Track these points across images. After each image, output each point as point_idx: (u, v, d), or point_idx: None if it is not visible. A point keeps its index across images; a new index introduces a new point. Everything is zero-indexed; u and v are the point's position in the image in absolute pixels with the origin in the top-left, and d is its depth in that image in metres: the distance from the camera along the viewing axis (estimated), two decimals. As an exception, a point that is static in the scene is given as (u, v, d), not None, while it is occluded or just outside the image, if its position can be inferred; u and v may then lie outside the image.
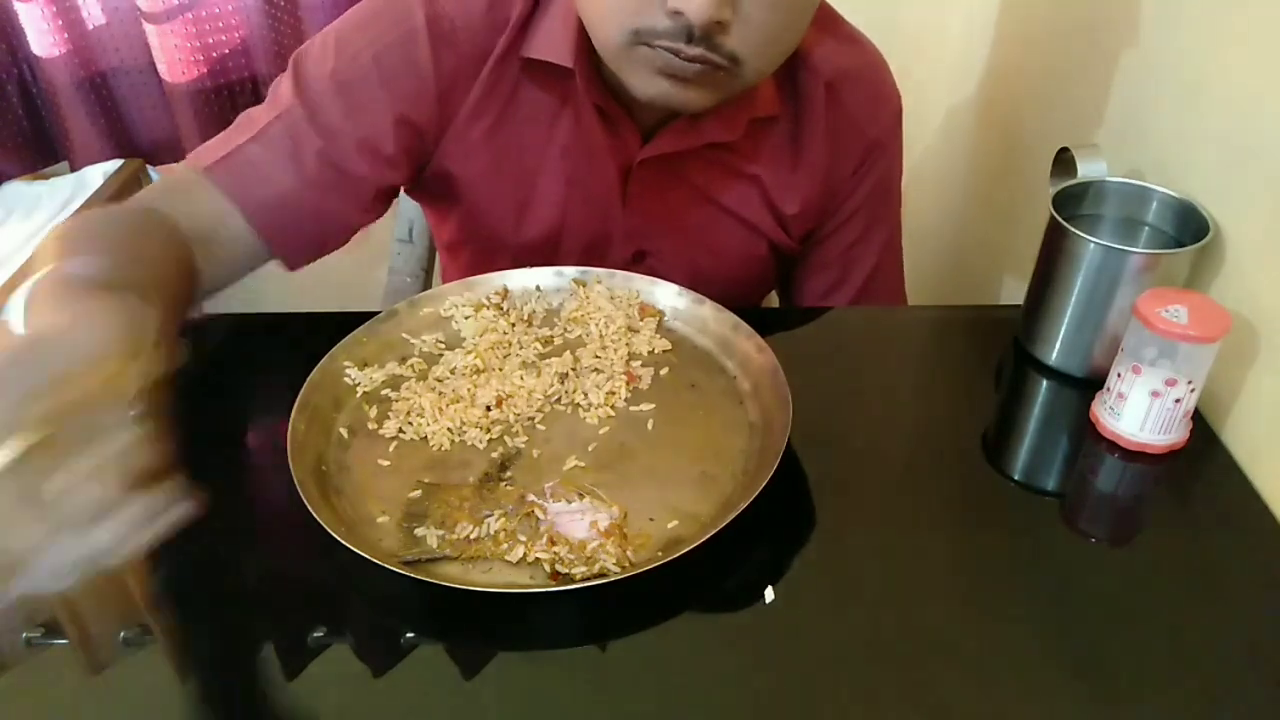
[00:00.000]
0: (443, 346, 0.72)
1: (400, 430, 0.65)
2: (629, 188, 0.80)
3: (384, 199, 0.80)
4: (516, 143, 0.78)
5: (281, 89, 0.75)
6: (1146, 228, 0.74)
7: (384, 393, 0.68)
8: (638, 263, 0.84)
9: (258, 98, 1.46)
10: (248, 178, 0.72)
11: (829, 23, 0.81)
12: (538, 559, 0.55)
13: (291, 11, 1.43)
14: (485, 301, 0.75)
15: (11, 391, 0.40)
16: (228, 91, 1.48)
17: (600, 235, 0.82)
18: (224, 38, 1.43)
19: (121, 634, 0.53)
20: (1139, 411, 0.64)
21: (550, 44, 0.73)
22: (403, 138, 0.76)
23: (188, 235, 0.69)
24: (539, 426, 0.66)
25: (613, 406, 0.67)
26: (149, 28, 1.38)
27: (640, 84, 0.68)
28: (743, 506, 0.55)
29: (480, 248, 0.86)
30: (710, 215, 0.83)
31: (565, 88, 0.76)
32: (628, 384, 0.68)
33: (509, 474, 0.62)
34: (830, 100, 0.80)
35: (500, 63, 0.75)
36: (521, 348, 0.72)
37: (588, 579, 0.53)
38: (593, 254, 0.83)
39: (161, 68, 1.41)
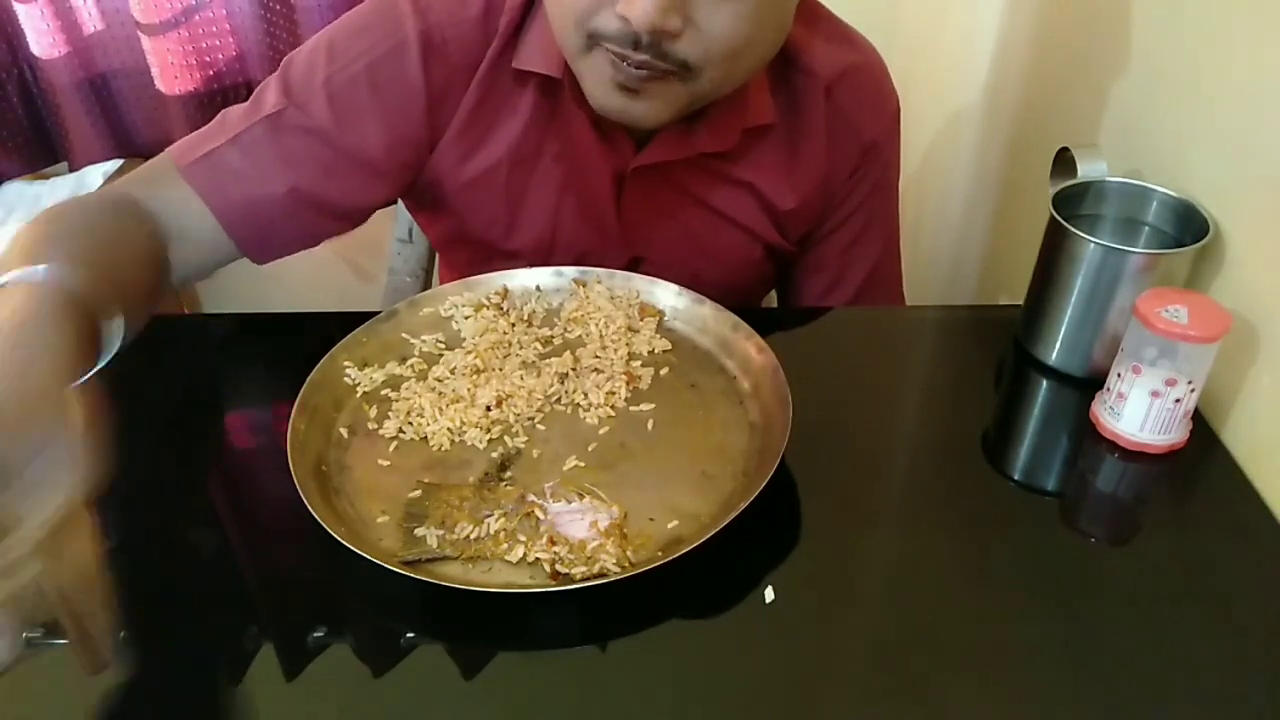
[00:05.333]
0: (443, 346, 0.72)
1: (400, 430, 0.65)
2: (623, 195, 0.80)
3: (362, 212, 0.79)
4: (508, 151, 0.78)
5: (267, 93, 0.74)
6: (1146, 228, 0.74)
7: (384, 393, 0.68)
8: (633, 269, 0.84)
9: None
10: (223, 181, 0.72)
11: (824, 24, 0.81)
12: (538, 559, 0.55)
13: (288, 16, 1.43)
14: (485, 301, 0.75)
15: None
16: (222, 98, 1.48)
17: (594, 243, 0.82)
18: (218, 42, 1.43)
19: (121, 634, 0.53)
20: (1139, 411, 0.64)
21: (539, 55, 0.73)
22: (393, 149, 0.76)
23: (161, 229, 0.70)
24: (539, 426, 0.66)
25: (613, 406, 0.67)
26: (144, 38, 1.38)
27: (597, 94, 0.68)
28: (743, 506, 0.55)
29: (471, 253, 0.86)
30: (706, 221, 0.83)
31: (557, 97, 0.76)
32: (628, 384, 0.68)
33: (509, 474, 0.62)
34: (828, 104, 0.80)
35: (491, 72, 0.75)
36: (521, 348, 0.72)
37: (588, 579, 0.53)
38: (587, 261, 0.83)
39: (155, 72, 1.41)
